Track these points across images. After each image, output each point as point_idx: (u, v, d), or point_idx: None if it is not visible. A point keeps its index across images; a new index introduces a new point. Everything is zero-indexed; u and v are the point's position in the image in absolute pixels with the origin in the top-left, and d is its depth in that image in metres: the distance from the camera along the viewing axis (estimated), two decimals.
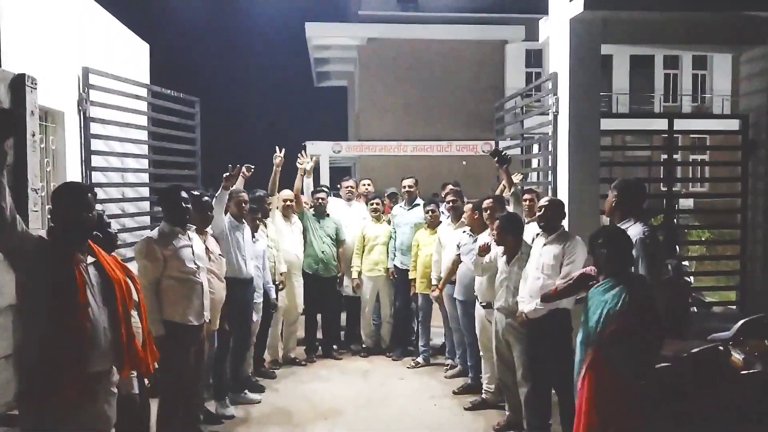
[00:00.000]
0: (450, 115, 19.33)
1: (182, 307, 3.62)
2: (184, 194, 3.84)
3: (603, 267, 3.20)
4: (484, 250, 4.57)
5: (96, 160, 5.32)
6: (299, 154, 6.27)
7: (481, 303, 4.81)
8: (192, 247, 3.82)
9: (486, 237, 4.88)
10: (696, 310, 5.80)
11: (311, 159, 6.46)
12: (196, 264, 3.80)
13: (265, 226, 5.66)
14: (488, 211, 4.83)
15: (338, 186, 7.67)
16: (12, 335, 4.06)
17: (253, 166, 5.45)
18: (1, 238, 2.41)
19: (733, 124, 6.69)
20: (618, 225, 3.53)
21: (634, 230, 3.48)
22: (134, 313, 3.09)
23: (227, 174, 4.65)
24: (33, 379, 2.49)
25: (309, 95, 29.29)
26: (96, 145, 5.34)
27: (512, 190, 4.85)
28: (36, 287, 2.48)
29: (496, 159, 4.88)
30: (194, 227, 4.00)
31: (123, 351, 2.65)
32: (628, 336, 3.03)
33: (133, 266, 3.41)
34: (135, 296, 3.10)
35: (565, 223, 4.64)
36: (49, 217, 4.64)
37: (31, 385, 2.50)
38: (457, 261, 5.40)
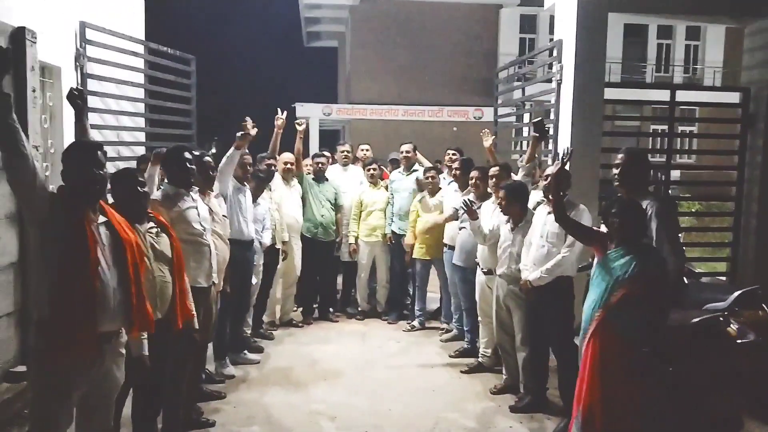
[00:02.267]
0: (442, 79, 19.15)
1: (191, 269, 3.61)
2: (187, 155, 3.79)
3: (615, 235, 3.23)
4: (472, 213, 4.61)
5: (92, 118, 5.20)
6: (296, 123, 6.14)
7: (482, 269, 4.86)
8: (197, 208, 3.79)
9: (489, 205, 4.90)
10: (687, 281, 5.90)
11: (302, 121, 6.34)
12: (202, 225, 3.78)
13: (269, 188, 5.63)
14: (494, 179, 4.83)
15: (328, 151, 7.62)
16: (14, 293, 4.07)
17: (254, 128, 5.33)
18: (24, 187, 2.44)
19: (730, 98, 6.72)
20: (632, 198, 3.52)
21: (649, 202, 3.50)
22: (165, 269, 3.11)
23: (241, 133, 4.54)
24: (42, 337, 2.49)
25: (299, 56, 28.79)
26: (93, 102, 5.21)
27: (530, 162, 4.83)
28: (48, 243, 2.46)
29: (536, 130, 4.83)
30: (197, 188, 3.96)
31: (132, 312, 2.65)
32: (636, 304, 3.09)
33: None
34: (168, 252, 3.11)
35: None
36: (48, 175, 4.59)
37: (41, 343, 2.50)
38: (452, 218, 5.44)
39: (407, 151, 6.60)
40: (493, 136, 5.93)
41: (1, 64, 2.39)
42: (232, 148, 4.52)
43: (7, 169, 2.42)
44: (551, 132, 5.95)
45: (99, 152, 2.67)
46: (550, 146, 5.98)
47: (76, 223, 2.48)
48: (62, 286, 2.45)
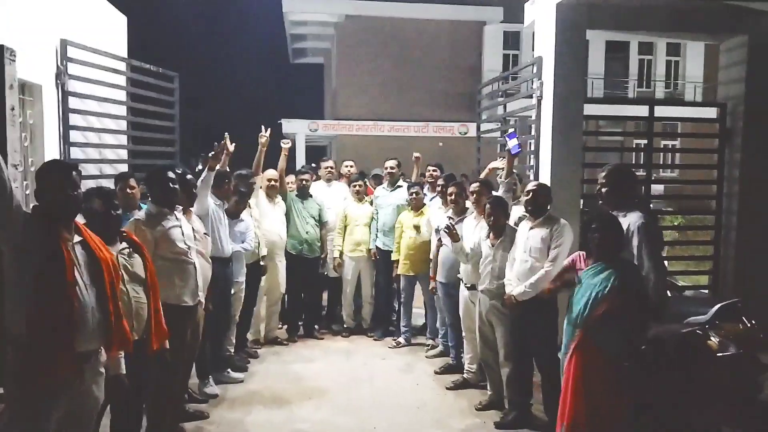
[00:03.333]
0: (427, 95, 19.28)
1: (177, 288, 3.59)
2: (171, 175, 3.78)
3: (594, 251, 3.27)
4: (453, 235, 4.63)
5: (74, 136, 5.20)
6: (282, 142, 6.15)
7: (465, 285, 4.86)
8: (181, 227, 3.78)
9: (471, 220, 4.93)
10: (670, 294, 5.95)
11: (288, 141, 6.34)
12: (186, 244, 3.76)
13: (248, 206, 5.61)
14: (474, 195, 4.86)
15: (313, 165, 7.62)
16: None
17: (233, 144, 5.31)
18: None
19: (710, 112, 6.83)
20: (612, 214, 3.55)
21: (634, 217, 3.50)
22: (139, 289, 3.08)
23: (212, 153, 4.54)
24: (20, 358, 2.46)
25: (285, 72, 28.89)
26: (74, 120, 5.21)
27: (507, 178, 4.87)
28: (23, 265, 2.43)
29: (507, 149, 4.87)
30: (181, 207, 3.95)
31: (111, 331, 2.62)
32: (616, 318, 3.11)
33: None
34: (141, 273, 3.08)
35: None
36: (29, 193, 4.54)
37: (18, 363, 2.46)
38: (438, 245, 5.45)
39: (391, 167, 6.63)
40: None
41: None
42: (206, 171, 4.48)
43: None
44: (532, 147, 6.01)
45: (74, 173, 2.66)
46: (532, 161, 6.03)
47: (51, 244, 2.46)
48: (39, 307, 2.42)
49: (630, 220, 3.45)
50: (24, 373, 2.45)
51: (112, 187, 5.04)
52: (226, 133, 4.66)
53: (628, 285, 3.14)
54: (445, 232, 4.72)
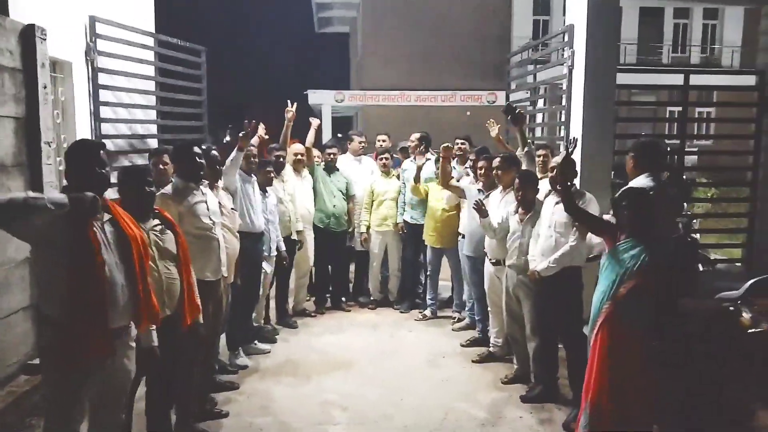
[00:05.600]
0: (455, 63, 18.99)
1: (199, 263, 3.64)
2: (196, 149, 3.81)
3: (625, 227, 3.22)
4: (482, 211, 4.59)
5: (104, 112, 5.27)
6: (311, 119, 6.16)
7: (491, 260, 4.85)
8: (206, 202, 3.81)
9: (497, 194, 4.88)
10: (702, 268, 5.84)
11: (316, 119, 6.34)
12: (211, 219, 3.80)
13: (282, 180, 5.65)
14: (497, 170, 4.80)
15: (339, 135, 7.59)
16: (30, 288, 4.15)
17: (265, 131, 5.35)
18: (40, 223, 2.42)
19: (748, 80, 6.60)
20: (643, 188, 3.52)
21: (640, 182, 3.61)
22: (171, 266, 3.14)
23: (243, 133, 4.55)
24: (56, 336, 2.53)
25: (310, 42, 28.68)
26: (104, 96, 5.27)
27: (525, 149, 4.79)
28: (54, 247, 2.49)
29: (509, 117, 4.77)
30: (207, 182, 3.99)
31: (140, 306, 2.69)
32: (646, 295, 3.08)
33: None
34: (173, 248, 3.14)
35: (576, 180, 4.63)
36: (62, 169, 4.64)
37: (54, 342, 2.55)
38: (461, 193, 5.47)
39: (418, 140, 6.57)
40: (499, 125, 5.82)
41: None
42: (235, 150, 4.51)
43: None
44: (563, 118, 5.90)
45: (102, 151, 2.70)
46: (562, 132, 5.92)
47: (79, 227, 2.51)
48: (71, 288, 2.48)
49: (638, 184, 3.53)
50: (60, 352, 2.53)
51: (147, 163, 5.16)
52: (253, 120, 4.68)
53: (659, 261, 3.09)
54: (474, 207, 4.69)
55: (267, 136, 5.24)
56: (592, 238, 3.87)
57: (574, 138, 3.81)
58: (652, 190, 3.50)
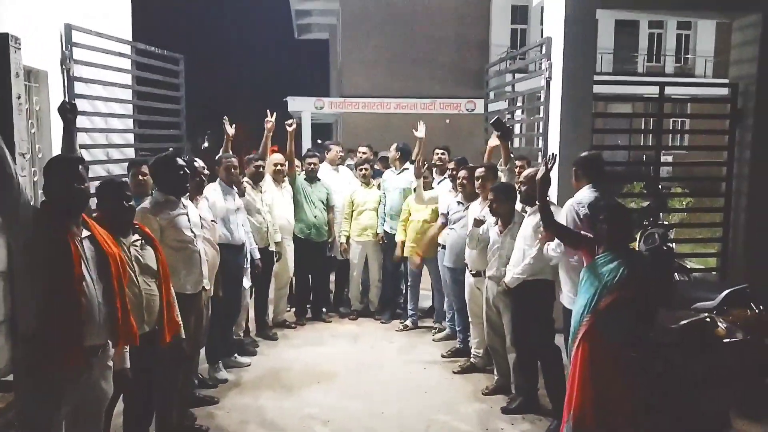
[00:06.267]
0: (434, 71, 19.08)
1: (180, 276, 3.60)
2: (180, 161, 3.76)
3: (603, 240, 3.25)
4: (479, 222, 4.60)
5: (81, 121, 5.15)
6: (286, 124, 6.11)
7: (471, 271, 4.87)
8: (188, 214, 3.77)
9: (477, 206, 4.91)
10: (678, 277, 5.94)
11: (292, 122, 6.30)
12: (192, 232, 3.76)
13: (260, 191, 5.61)
14: (480, 181, 4.83)
15: (319, 141, 7.58)
16: (4, 303, 4.06)
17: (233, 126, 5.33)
18: (8, 206, 2.44)
19: (721, 91, 6.73)
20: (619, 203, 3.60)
21: (584, 194, 3.80)
22: (151, 282, 3.10)
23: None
24: (30, 351, 2.50)
25: (290, 48, 28.65)
26: (81, 105, 5.16)
27: (508, 165, 4.81)
28: (31, 260, 2.46)
29: (498, 132, 4.78)
30: (188, 194, 3.94)
31: (118, 326, 2.65)
32: (625, 308, 3.11)
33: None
34: (153, 264, 3.10)
35: (553, 191, 4.66)
36: (36, 180, 4.56)
37: (28, 357, 2.50)
38: (443, 227, 5.44)
39: (396, 150, 6.58)
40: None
41: None
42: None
43: None
44: (541, 129, 5.96)
45: (80, 167, 2.66)
46: (540, 143, 5.98)
47: (60, 239, 2.48)
48: (48, 302, 2.45)
49: (582, 197, 3.75)
50: (34, 367, 2.49)
51: (124, 172, 5.10)
52: (225, 117, 4.63)
53: (637, 274, 3.14)
54: (475, 219, 4.67)
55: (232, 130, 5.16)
56: (549, 251, 3.91)
57: (553, 154, 3.85)
58: (599, 201, 3.65)
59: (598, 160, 4.07)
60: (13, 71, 4.07)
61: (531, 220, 4.10)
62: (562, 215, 3.87)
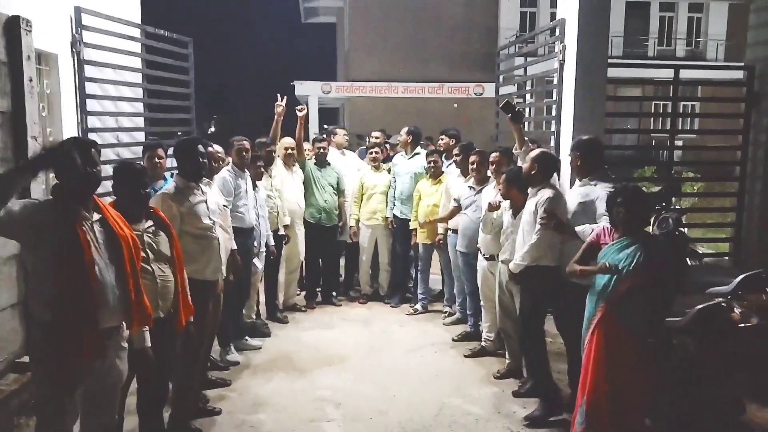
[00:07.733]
0: (442, 55, 18.95)
1: (200, 263, 3.60)
2: (200, 148, 3.73)
3: (620, 225, 3.22)
4: (495, 207, 4.56)
5: (91, 104, 5.17)
6: (297, 109, 6.08)
7: (484, 255, 4.85)
8: (206, 202, 3.75)
9: (491, 190, 4.87)
10: (690, 262, 5.90)
11: (302, 107, 6.27)
12: (211, 219, 3.74)
13: (270, 175, 5.60)
14: (494, 165, 4.79)
15: (326, 126, 7.57)
16: (18, 285, 4.07)
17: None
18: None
19: (736, 74, 6.64)
20: (580, 186, 3.77)
21: (601, 189, 3.70)
22: (165, 267, 3.10)
23: None
24: (45, 338, 2.50)
25: (297, 32, 28.47)
26: (91, 88, 5.17)
27: (523, 147, 4.75)
28: (43, 247, 2.46)
29: (509, 115, 4.71)
30: (207, 181, 3.93)
31: (131, 307, 2.65)
32: (641, 294, 3.09)
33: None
34: (167, 250, 3.09)
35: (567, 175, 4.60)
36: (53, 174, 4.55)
37: (44, 344, 2.51)
38: (455, 211, 5.41)
39: (407, 134, 6.55)
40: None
41: None
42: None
43: None
44: (554, 112, 5.90)
45: (93, 150, 2.65)
46: (552, 126, 5.92)
47: (68, 227, 2.47)
48: (60, 289, 2.45)
49: (599, 193, 3.67)
50: (50, 353, 2.49)
51: (134, 156, 5.09)
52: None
53: (654, 259, 3.11)
54: (490, 204, 4.64)
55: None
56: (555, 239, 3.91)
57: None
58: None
59: (600, 144, 4.01)
60: (25, 54, 4.05)
61: (530, 204, 4.06)
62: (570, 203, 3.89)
